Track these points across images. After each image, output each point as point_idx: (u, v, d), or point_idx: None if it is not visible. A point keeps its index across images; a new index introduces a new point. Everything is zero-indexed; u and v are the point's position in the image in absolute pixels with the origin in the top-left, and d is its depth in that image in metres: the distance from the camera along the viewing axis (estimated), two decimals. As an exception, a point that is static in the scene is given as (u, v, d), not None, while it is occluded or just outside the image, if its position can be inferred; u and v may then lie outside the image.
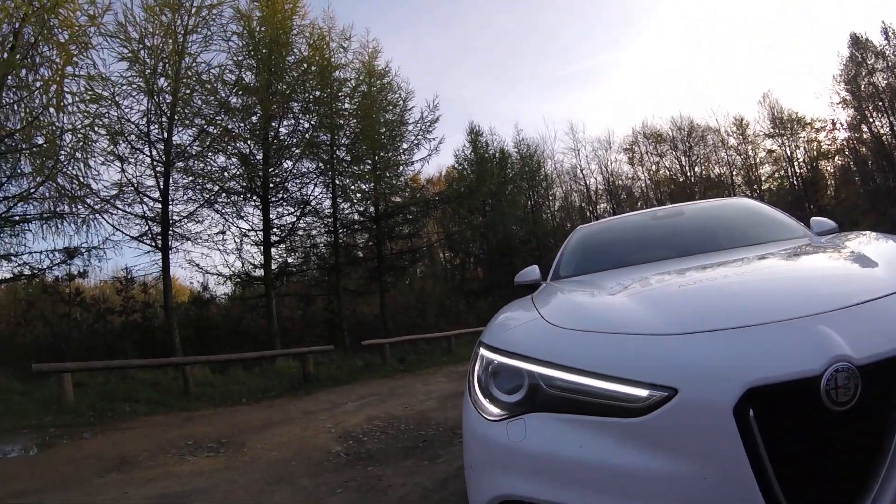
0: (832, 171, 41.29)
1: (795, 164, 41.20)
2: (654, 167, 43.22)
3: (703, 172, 41.58)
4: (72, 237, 14.64)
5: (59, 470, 5.23)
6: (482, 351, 1.88)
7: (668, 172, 42.69)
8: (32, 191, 13.34)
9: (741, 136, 41.35)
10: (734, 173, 41.69)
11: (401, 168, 23.48)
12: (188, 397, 10.59)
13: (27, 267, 14.49)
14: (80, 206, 14.36)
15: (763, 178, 42.02)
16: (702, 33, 72.41)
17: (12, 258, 14.03)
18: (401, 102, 23.00)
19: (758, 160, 41.57)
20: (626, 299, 2.04)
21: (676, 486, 1.33)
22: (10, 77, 12.50)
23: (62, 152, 13.61)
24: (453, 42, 76.84)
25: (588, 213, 41.82)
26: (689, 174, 41.40)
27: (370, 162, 21.75)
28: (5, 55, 12.35)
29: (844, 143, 39.26)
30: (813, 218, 3.66)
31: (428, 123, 23.16)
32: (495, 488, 1.61)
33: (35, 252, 14.47)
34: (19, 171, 13.36)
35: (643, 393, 1.40)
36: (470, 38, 76.96)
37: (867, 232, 2.91)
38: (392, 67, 23.10)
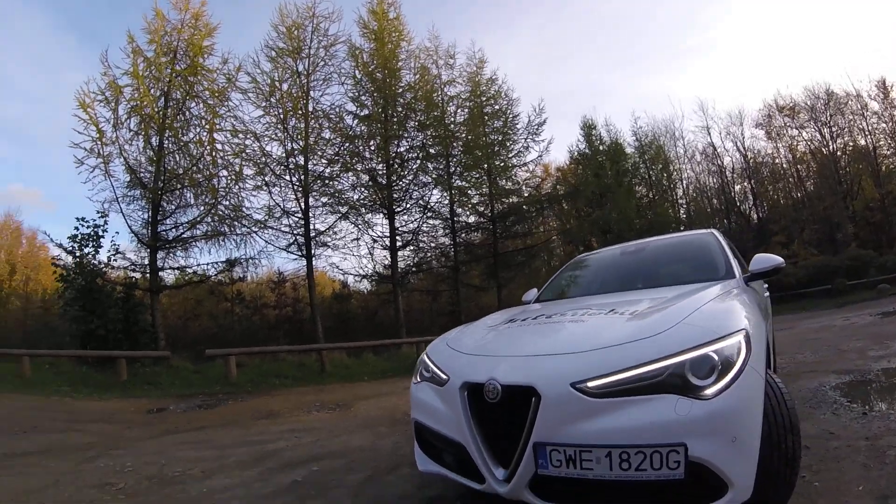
0: None
1: None
2: (792, 142, 40.09)
3: (849, 143, 37.96)
4: (232, 251, 18.26)
5: (226, 417, 7.99)
6: (425, 350, 3.45)
7: (808, 146, 39.54)
8: (197, 220, 17.17)
9: (885, 99, 36.69)
10: (881, 143, 37.19)
11: (512, 171, 24.90)
12: (323, 375, 13.66)
13: (195, 275, 18.21)
14: (237, 227, 17.99)
15: None
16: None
17: (185, 269, 17.93)
18: (508, 109, 24.34)
19: None
20: (484, 329, 3.49)
21: (449, 418, 2.68)
22: (167, 131, 16.41)
23: (220, 186, 17.40)
24: (568, 33, 77.12)
25: (723, 197, 40.06)
26: (831, 148, 37.96)
27: (484, 167, 23.48)
28: (161, 113, 16.34)
29: None
30: (756, 256, 4.06)
31: (535, 126, 24.57)
32: (414, 415, 3.14)
33: (203, 264, 18.36)
34: (186, 202, 17.29)
35: (444, 377, 2.83)
36: (583, 26, 77.17)
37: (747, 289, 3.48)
38: (499, 75, 24.73)
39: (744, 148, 40.62)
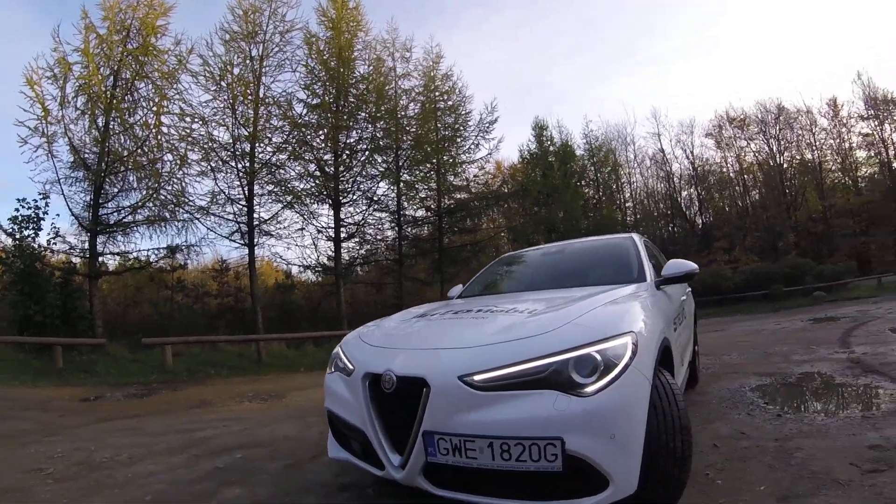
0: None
1: (892, 148, 38.90)
2: (741, 153, 42.16)
3: (795, 157, 40.30)
4: (173, 237, 18.30)
5: (159, 405, 8.30)
6: (340, 342, 3.59)
7: (756, 157, 41.61)
8: (139, 204, 17.18)
9: (835, 118, 39.49)
10: (827, 158, 40.02)
11: (461, 167, 25.37)
12: (261, 365, 13.86)
13: (136, 261, 18.26)
14: (179, 213, 18.06)
15: (860, 163, 40.22)
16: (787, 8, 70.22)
17: (125, 254, 17.97)
18: (461, 106, 24.75)
19: (854, 144, 39.70)
20: (396, 323, 3.70)
21: (354, 407, 2.83)
22: (114, 112, 16.31)
23: (164, 170, 17.50)
24: (534, 34, 77.83)
25: (669, 202, 41.41)
26: (778, 160, 40.19)
27: (433, 162, 23.91)
28: (109, 93, 16.30)
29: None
30: (670, 261, 4.11)
31: (487, 124, 25.03)
32: (326, 404, 3.28)
33: (143, 249, 18.28)
34: (129, 185, 17.19)
35: (350, 368, 3.00)
36: (544, 30, 77.62)
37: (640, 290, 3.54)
38: (455, 72, 25.39)
39: (692, 156, 42.38)
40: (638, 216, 41.08)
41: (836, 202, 38.26)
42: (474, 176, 26.41)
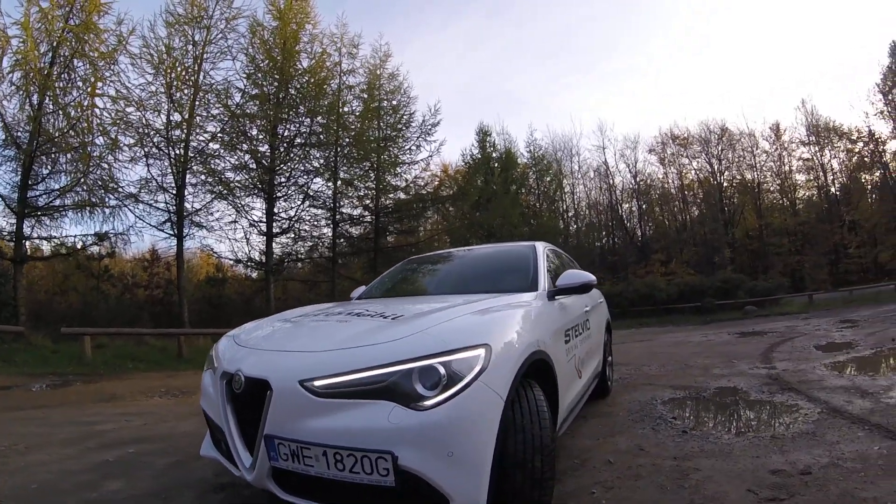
0: (870, 183, 41.07)
1: (830, 173, 41.54)
2: (682, 169, 43.77)
3: (736, 177, 42.17)
4: (102, 223, 18.32)
5: (69, 397, 8.57)
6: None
7: (697, 175, 43.28)
8: (68, 187, 17.12)
9: (777, 141, 41.76)
10: (766, 179, 42.11)
11: (401, 167, 25.88)
12: (180, 360, 13.99)
13: (63, 247, 18.21)
14: (109, 198, 18.12)
15: (798, 186, 42.47)
16: (735, 35, 73.65)
17: (52, 239, 17.87)
18: (405, 107, 25.25)
19: (794, 167, 42.00)
20: (271, 323, 3.67)
21: (215, 405, 2.77)
22: (49, 90, 16.24)
23: (94, 153, 17.50)
24: (492, 39, 79.14)
25: (611, 214, 42.80)
26: (718, 179, 41.99)
27: (372, 160, 24.29)
28: (45, 70, 16.20)
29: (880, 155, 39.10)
30: (567, 271, 4.04)
31: (429, 126, 25.56)
32: (202, 402, 3.19)
33: (71, 235, 18.35)
34: (59, 168, 17.15)
35: (216, 366, 2.97)
36: (504, 40, 79.47)
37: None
38: (401, 71, 25.57)
39: (635, 170, 43.81)
40: (580, 226, 42.40)
41: (773, 221, 40.55)
42: (416, 177, 26.85)
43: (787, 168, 42.13)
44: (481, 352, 2.34)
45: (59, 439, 5.14)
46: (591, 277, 3.91)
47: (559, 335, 3.55)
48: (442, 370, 2.22)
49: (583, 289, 3.88)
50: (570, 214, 42.66)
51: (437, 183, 30.22)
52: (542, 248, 4.66)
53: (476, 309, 2.97)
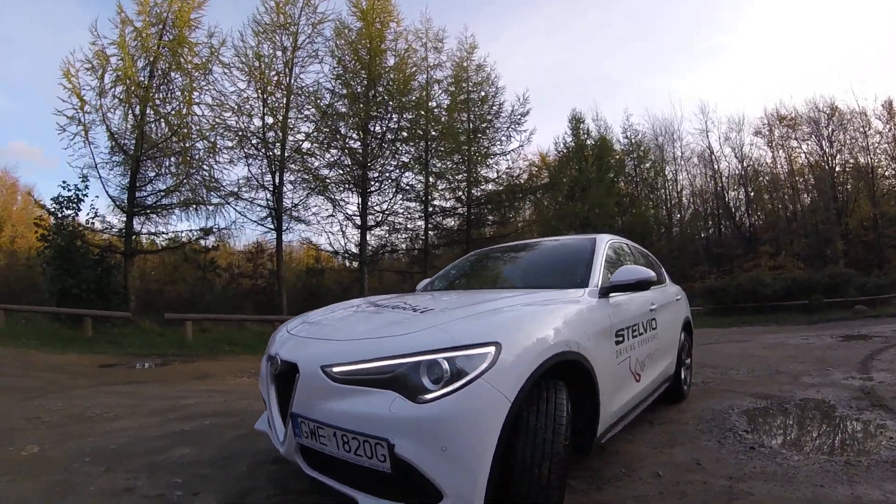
0: None
1: None
2: (792, 153, 40.61)
3: (849, 161, 38.54)
4: (206, 220, 19.86)
5: (164, 375, 9.45)
6: None
7: (808, 158, 40.13)
8: (172, 188, 18.61)
9: (891, 121, 37.36)
10: (881, 163, 37.98)
11: (492, 159, 25.96)
12: None
13: (171, 241, 19.77)
14: (212, 196, 19.53)
15: None
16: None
17: (161, 235, 19.49)
18: (493, 97, 25.29)
19: None
20: (323, 313, 3.68)
21: (264, 384, 3.02)
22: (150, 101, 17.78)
23: (196, 155, 18.94)
24: (579, 25, 77.02)
25: (717, 202, 40.91)
26: (830, 163, 38.58)
27: (463, 153, 24.52)
28: (145, 83, 17.82)
29: None
30: (621, 267, 3.86)
31: (518, 116, 25.47)
32: (259, 383, 3.28)
33: (178, 231, 19.95)
34: (164, 170, 18.72)
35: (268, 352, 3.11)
36: (594, 20, 77.04)
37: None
38: (488, 62, 25.65)
39: (741, 154, 41.32)
40: (683, 215, 40.76)
41: (889, 210, 36.69)
42: (508, 168, 26.78)
43: (903, 151, 38.02)
44: (490, 350, 2.34)
45: (146, 410, 5.68)
46: (649, 274, 3.72)
47: (606, 335, 3.39)
48: (445, 365, 2.25)
49: (638, 286, 3.72)
50: (672, 203, 40.95)
51: (530, 173, 30.02)
52: (604, 242, 4.45)
53: (510, 304, 3.00)
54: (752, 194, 41.26)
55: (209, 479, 3.42)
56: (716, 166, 41.41)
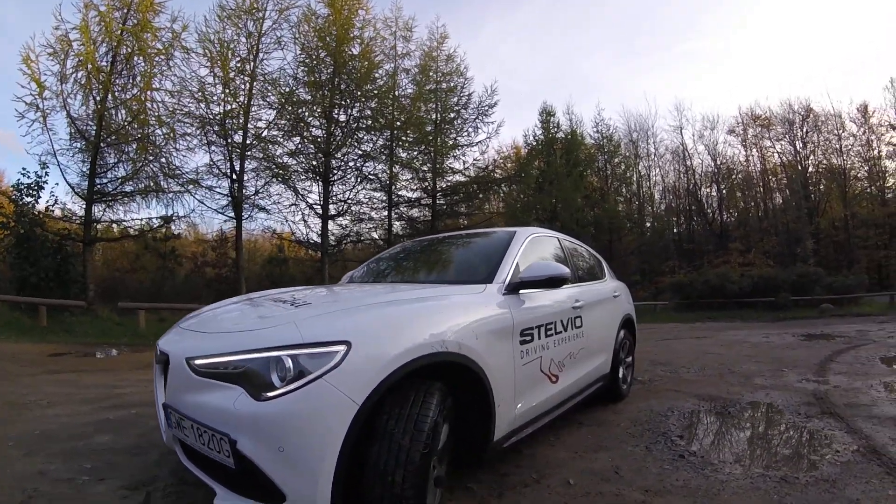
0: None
1: None
2: (765, 152, 41.73)
3: (822, 162, 39.69)
4: (167, 208, 19.89)
5: (109, 364, 9.53)
6: None
7: (781, 158, 41.15)
8: (130, 175, 18.69)
9: (865, 124, 38.52)
10: (854, 165, 39.21)
11: (459, 149, 26.22)
12: None
13: (130, 230, 19.74)
14: (171, 184, 19.58)
15: (887, 173, 38.98)
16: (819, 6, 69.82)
17: (121, 222, 19.46)
18: (462, 88, 25.59)
19: (883, 153, 38.46)
20: (221, 305, 3.63)
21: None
22: (111, 86, 17.82)
23: (156, 144, 19.00)
24: (560, 20, 79.36)
25: (689, 198, 41.61)
26: (803, 163, 39.64)
27: (429, 142, 24.82)
28: (107, 69, 17.84)
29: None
30: (531, 263, 3.76)
31: (486, 108, 25.76)
32: None
33: (138, 219, 19.96)
34: (124, 157, 18.68)
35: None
36: (577, 18, 79.06)
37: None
38: (458, 53, 26.02)
39: (714, 152, 42.25)
40: (655, 210, 41.54)
41: (860, 211, 37.91)
42: (475, 159, 27.08)
43: (875, 153, 38.81)
44: (338, 349, 2.24)
45: (79, 398, 5.82)
46: (562, 270, 3.60)
47: (505, 334, 3.23)
48: (289, 363, 2.18)
49: (550, 282, 3.61)
50: (645, 198, 41.82)
51: (504, 166, 30.50)
52: (524, 236, 4.28)
53: (390, 299, 2.93)
54: (725, 192, 42.19)
55: (118, 466, 3.50)
56: (689, 163, 42.40)
